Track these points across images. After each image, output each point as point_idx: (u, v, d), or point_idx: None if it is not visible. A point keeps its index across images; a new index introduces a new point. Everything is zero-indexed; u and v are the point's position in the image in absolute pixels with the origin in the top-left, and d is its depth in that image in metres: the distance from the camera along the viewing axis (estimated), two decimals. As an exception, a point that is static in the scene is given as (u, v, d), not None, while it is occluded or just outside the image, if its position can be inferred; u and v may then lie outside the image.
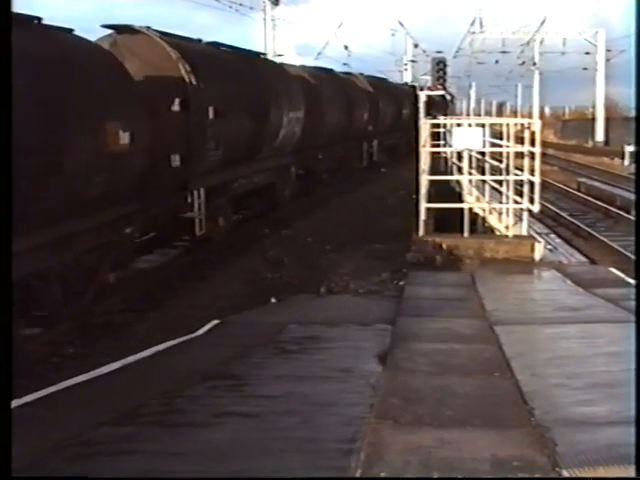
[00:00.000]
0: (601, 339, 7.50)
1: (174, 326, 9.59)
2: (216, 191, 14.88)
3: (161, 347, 7.33)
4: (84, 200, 9.76)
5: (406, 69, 66.81)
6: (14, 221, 6.38)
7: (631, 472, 4.18)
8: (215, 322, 8.33)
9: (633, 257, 13.77)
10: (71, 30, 10.60)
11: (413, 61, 67.13)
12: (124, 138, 10.38)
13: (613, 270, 11.15)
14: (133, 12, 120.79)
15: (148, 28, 14.21)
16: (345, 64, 48.44)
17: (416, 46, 66.84)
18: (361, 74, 35.69)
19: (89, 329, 10.07)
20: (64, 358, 9.07)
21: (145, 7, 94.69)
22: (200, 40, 16.34)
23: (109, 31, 13.63)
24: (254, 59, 19.20)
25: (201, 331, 8.00)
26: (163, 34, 14.29)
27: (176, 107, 13.18)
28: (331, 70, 30.30)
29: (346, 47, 56.14)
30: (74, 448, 4.79)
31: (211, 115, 14.22)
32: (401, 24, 64.27)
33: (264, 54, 21.93)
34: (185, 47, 14.46)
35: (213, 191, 14.67)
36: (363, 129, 30.75)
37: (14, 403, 5.15)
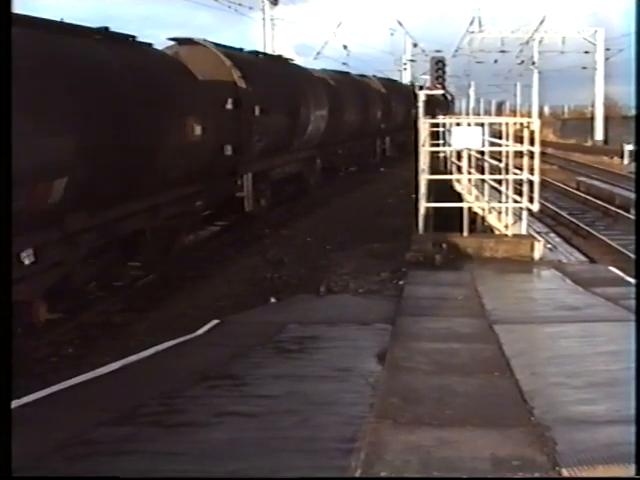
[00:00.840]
0: (601, 338, 7.49)
1: (173, 326, 9.60)
2: (259, 177, 17.82)
3: (160, 347, 7.33)
4: (170, 178, 12.39)
5: (405, 69, 66.79)
6: (127, 192, 10.00)
7: (631, 471, 4.18)
8: (215, 322, 8.33)
9: (633, 256, 13.77)
10: (150, 44, 13.23)
11: (412, 60, 67.12)
12: (197, 130, 13.07)
13: (613, 269, 11.15)
14: (132, 11, 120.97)
15: (205, 40, 17.06)
16: (344, 64, 48.51)
17: (415, 45, 66.86)
18: (374, 76, 38.51)
19: (88, 329, 10.08)
20: (63, 358, 9.07)
21: (144, 6, 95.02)
22: (242, 49, 19.27)
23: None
24: (286, 64, 22.42)
25: (201, 331, 8.00)
26: (217, 45, 17.19)
27: (229, 106, 16.18)
28: (348, 73, 33.48)
29: (345, 47, 56.13)
30: (74, 448, 4.79)
31: (257, 112, 17.16)
32: (400, 24, 64.31)
33: (292, 59, 24.31)
34: (235, 56, 17.54)
35: (256, 176, 17.59)
36: (377, 127, 33.40)
37: (14, 403, 5.15)
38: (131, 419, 5.33)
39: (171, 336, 7.88)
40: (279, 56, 23.46)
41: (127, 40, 12.10)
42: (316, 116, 22.56)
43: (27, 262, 8.78)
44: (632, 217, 19.41)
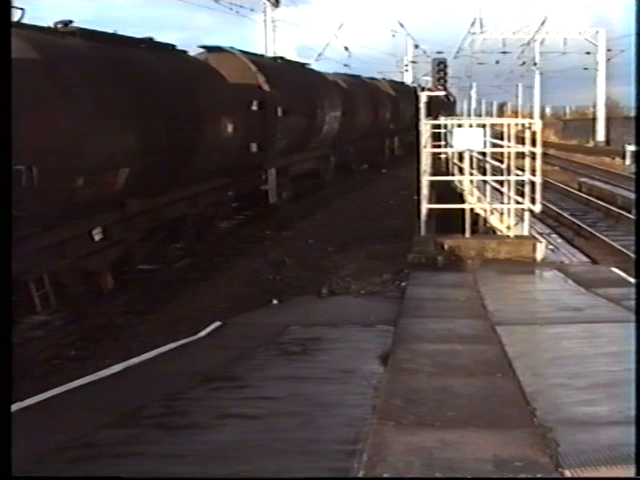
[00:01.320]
0: (603, 339, 7.49)
1: (175, 328, 9.61)
2: (281, 172, 19.74)
3: (163, 349, 7.33)
4: (207, 171, 14.19)
5: (407, 70, 66.76)
6: (172, 182, 11.83)
7: (633, 472, 4.17)
8: (217, 324, 8.33)
9: (634, 256, 13.75)
10: (185, 51, 15.05)
11: (414, 62, 67.07)
12: (229, 128, 14.83)
13: (615, 270, 11.14)
14: (133, 13, 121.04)
15: (232, 48, 18.89)
16: (346, 65, 48.50)
17: (416, 47, 66.77)
18: (383, 79, 41.28)
19: (90, 331, 10.08)
20: (65, 360, 9.07)
21: (144, 9, 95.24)
22: (263, 55, 22.22)
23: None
24: (303, 69, 24.96)
25: (203, 333, 8.01)
26: (243, 52, 19.19)
27: (254, 107, 17.79)
28: (359, 76, 35.29)
29: (346, 48, 56.07)
30: (76, 450, 4.79)
31: (279, 113, 18.91)
32: (401, 25, 64.22)
33: (308, 64, 26.78)
34: (260, 62, 19.61)
35: (278, 171, 19.49)
36: (386, 127, 35.28)
37: (16, 406, 5.16)
38: (134, 421, 5.33)
39: (173, 338, 7.88)
40: (297, 61, 25.94)
41: (168, 49, 13.87)
42: (330, 117, 24.41)
43: (97, 238, 10.59)
44: (633, 217, 19.37)
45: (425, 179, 13.58)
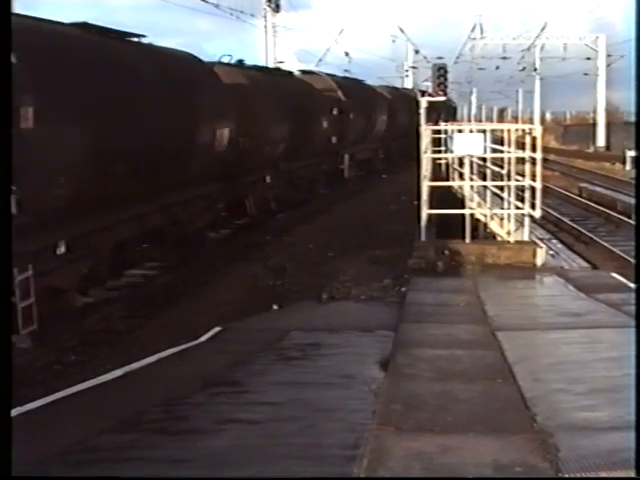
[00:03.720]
0: (603, 344, 7.50)
1: (176, 332, 9.59)
2: (351, 157, 28.61)
3: (163, 354, 7.33)
4: (313, 150, 23.01)
5: (407, 75, 66.85)
6: (299, 155, 22.37)
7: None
8: (217, 329, 8.33)
9: (634, 261, 13.74)
10: (291, 73, 25.06)
11: (414, 67, 67.17)
12: (325, 125, 24.19)
13: (615, 275, 11.13)
14: (132, 18, 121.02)
15: (319, 71, 28.94)
16: (346, 70, 48.62)
17: (417, 52, 66.89)
18: (414, 89, 50.81)
19: (90, 336, 10.08)
20: (66, 365, 9.07)
21: (145, 13, 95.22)
22: (335, 75, 30.66)
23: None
24: (362, 84, 34.29)
25: (203, 338, 8.00)
26: (327, 74, 28.87)
27: (335, 112, 25.48)
28: (398, 88, 46.57)
29: (347, 53, 56.33)
30: (77, 455, 4.79)
31: (351, 117, 27.45)
32: (402, 30, 64.52)
33: (364, 80, 36.21)
34: (338, 80, 28.84)
35: (350, 157, 28.37)
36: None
37: (17, 411, 5.16)
38: (134, 426, 5.34)
39: (173, 343, 7.88)
40: (355, 78, 35.39)
41: (287, 73, 24.34)
42: (380, 120, 33.21)
43: (268, 181, 19.19)
44: (633, 223, 19.35)
45: (425, 184, 13.59)
